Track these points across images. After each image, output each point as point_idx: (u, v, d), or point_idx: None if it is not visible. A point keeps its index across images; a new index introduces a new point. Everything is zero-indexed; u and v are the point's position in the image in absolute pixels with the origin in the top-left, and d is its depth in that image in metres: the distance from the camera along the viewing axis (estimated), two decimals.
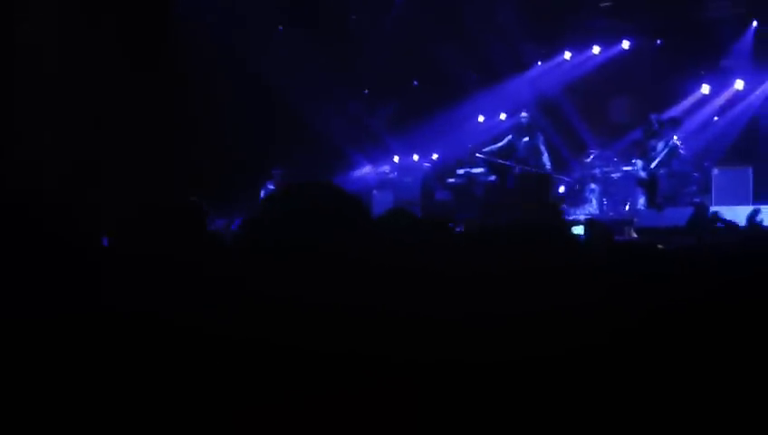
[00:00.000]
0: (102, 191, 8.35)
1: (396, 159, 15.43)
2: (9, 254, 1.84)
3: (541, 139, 11.69)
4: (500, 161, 12.00)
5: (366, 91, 15.41)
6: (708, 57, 13.32)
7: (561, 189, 14.13)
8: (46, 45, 10.01)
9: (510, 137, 12.01)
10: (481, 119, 15.16)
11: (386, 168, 15.29)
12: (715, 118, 13.29)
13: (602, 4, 13.62)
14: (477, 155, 12.43)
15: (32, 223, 1.99)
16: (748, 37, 12.98)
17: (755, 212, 8.30)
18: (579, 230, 4.63)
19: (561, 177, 13.14)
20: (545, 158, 11.55)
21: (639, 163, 11.44)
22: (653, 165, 11.26)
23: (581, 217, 12.03)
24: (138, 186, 9.75)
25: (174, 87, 11.69)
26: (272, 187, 12.56)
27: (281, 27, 13.84)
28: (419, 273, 2.04)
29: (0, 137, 9.02)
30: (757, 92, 12.88)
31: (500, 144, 12.10)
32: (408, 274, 1.99)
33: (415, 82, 15.47)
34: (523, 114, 11.90)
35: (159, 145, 11.34)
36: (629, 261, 2.39)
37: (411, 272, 2.06)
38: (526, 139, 11.70)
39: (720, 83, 13.26)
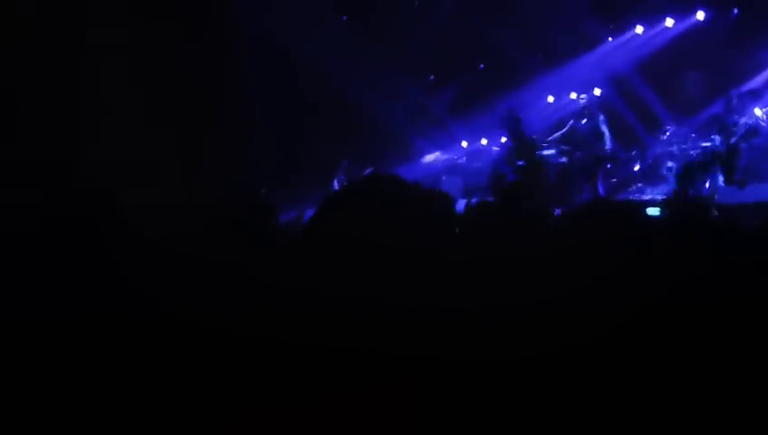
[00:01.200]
0: (161, 191, 8.48)
1: (464, 144, 15.27)
2: (78, 253, 1.86)
3: (601, 119, 11.46)
4: (563, 147, 11.77)
5: (432, 77, 15.30)
6: None
7: (636, 168, 13.80)
8: (115, 46, 10.20)
9: (571, 122, 11.88)
10: (551, 99, 14.88)
11: (454, 154, 15.17)
12: None
13: None
14: (543, 145, 12.25)
15: (99, 223, 2.00)
16: None
17: None
18: (654, 211, 4.44)
19: (630, 154, 12.84)
20: (606, 138, 11.30)
21: (718, 139, 11.09)
22: (733, 140, 10.90)
23: (658, 197, 11.72)
24: (201, 183, 9.89)
25: (236, 83, 11.82)
26: (343, 177, 12.66)
27: (344, 17, 13.82)
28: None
29: (68, 137, 9.23)
30: None
31: (562, 131, 12.02)
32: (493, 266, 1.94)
33: (481, 66, 15.27)
34: (582, 96, 11.84)
35: (225, 142, 11.48)
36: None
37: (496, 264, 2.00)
38: (585, 121, 11.51)
39: None
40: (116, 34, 10.11)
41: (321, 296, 1.57)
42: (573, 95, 14.74)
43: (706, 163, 10.37)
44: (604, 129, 11.40)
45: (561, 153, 12.29)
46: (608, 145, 11.46)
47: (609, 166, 13.33)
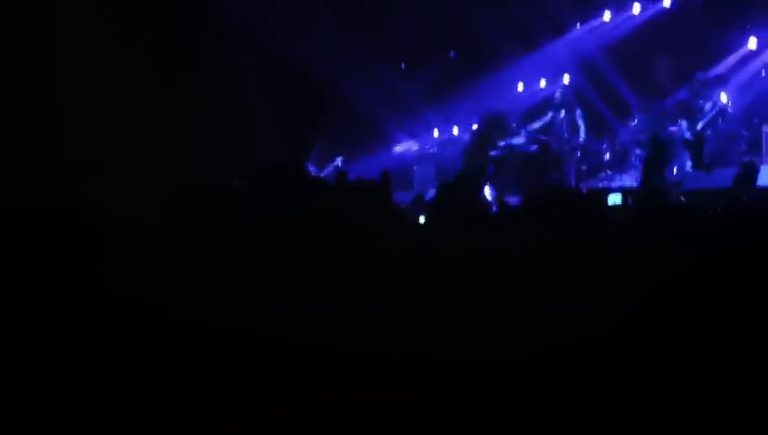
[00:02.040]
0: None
1: (436, 132, 15.28)
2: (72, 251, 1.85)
3: (578, 113, 11.87)
4: (541, 137, 12.16)
5: (403, 65, 15.27)
6: (755, 10, 12.88)
7: (606, 155, 13.88)
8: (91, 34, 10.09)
9: (551, 113, 12.19)
10: (521, 87, 14.90)
11: (426, 143, 15.16)
12: (764, 73, 12.85)
13: None
14: (522, 133, 12.69)
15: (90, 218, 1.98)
16: None
17: None
18: (615, 199, 4.48)
19: (601, 146, 12.99)
20: (581, 131, 11.74)
21: (684, 124, 11.17)
22: (699, 126, 10.99)
23: (627, 184, 11.81)
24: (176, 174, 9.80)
25: (209, 66, 11.72)
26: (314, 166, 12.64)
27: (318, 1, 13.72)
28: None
29: (42, 138, 9.13)
30: None
31: (543, 121, 12.32)
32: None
33: (452, 54, 15.26)
34: (558, 91, 12.14)
35: (195, 127, 11.40)
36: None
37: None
38: (563, 114, 11.87)
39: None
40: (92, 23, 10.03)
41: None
42: (543, 83, 14.81)
43: (658, 149, 10.51)
44: (580, 122, 11.81)
45: (532, 141, 12.44)
46: (582, 137, 11.83)
47: (578, 154, 13.43)
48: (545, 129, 12.16)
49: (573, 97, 12.08)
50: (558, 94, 12.01)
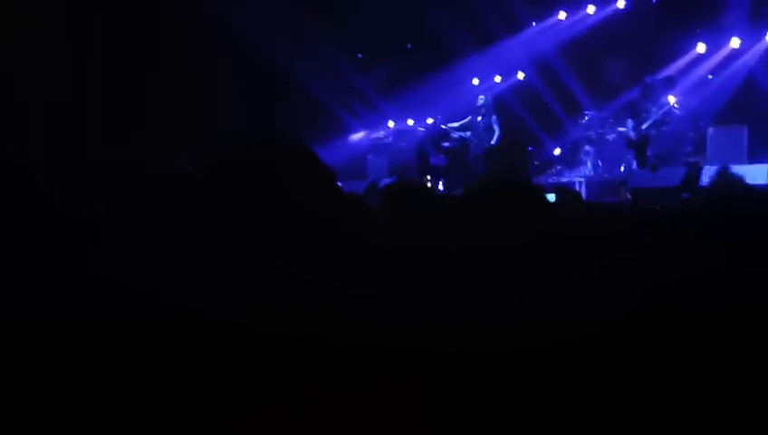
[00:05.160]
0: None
1: (391, 123, 15.34)
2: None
3: (494, 119, 12.44)
4: (462, 133, 12.82)
5: (360, 55, 15.28)
6: (704, 15, 13.17)
7: (557, 152, 14.10)
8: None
9: (470, 117, 12.69)
10: (476, 81, 15.04)
11: (381, 133, 15.20)
12: (710, 77, 13.18)
13: None
14: (442, 127, 13.38)
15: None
16: None
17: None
18: (551, 197, 4.59)
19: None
20: (496, 137, 12.36)
21: (630, 123, 11.40)
22: (644, 126, 11.22)
23: (575, 180, 12.03)
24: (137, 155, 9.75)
25: (167, 53, 11.63)
26: None
27: None
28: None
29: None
30: (753, 50, 12.75)
31: (462, 122, 12.84)
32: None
33: (408, 46, 15.32)
34: (481, 97, 12.67)
35: (152, 113, 11.32)
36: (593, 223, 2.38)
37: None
38: (482, 118, 12.42)
39: (716, 42, 13.12)
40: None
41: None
42: (498, 78, 14.98)
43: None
44: (496, 127, 12.37)
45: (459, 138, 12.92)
46: (495, 141, 12.38)
47: (530, 149, 13.64)
48: (464, 128, 12.76)
49: (493, 103, 12.62)
50: (479, 101, 12.55)
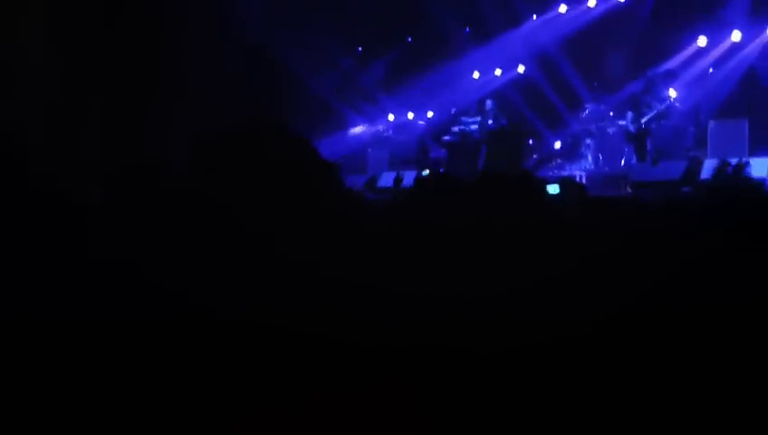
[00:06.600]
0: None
1: (391, 117, 15.32)
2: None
3: (503, 124, 12.82)
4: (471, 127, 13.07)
5: (359, 48, 15.26)
6: (705, 9, 13.13)
7: (558, 145, 14.08)
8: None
9: (479, 118, 12.97)
10: (476, 75, 15.01)
11: (381, 126, 15.19)
12: (711, 70, 13.14)
13: None
14: (462, 118, 13.46)
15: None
16: None
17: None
18: (554, 189, 4.60)
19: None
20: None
21: (630, 117, 11.40)
22: (643, 119, 11.21)
23: (576, 173, 12.01)
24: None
25: (169, 46, 11.61)
26: None
27: None
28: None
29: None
30: (754, 44, 12.71)
31: (472, 124, 13.04)
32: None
33: (408, 39, 15.30)
34: (488, 101, 12.98)
35: (155, 106, 11.31)
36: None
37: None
38: (490, 121, 12.76)
39: (717, 35, 13.08)
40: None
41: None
42: (498, 72, 14.95)
43: None
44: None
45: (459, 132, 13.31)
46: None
47: (530, 142, 13.63)
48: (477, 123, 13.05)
49: (499, 111, 12.96)
50: (487, 105, 12.94)
